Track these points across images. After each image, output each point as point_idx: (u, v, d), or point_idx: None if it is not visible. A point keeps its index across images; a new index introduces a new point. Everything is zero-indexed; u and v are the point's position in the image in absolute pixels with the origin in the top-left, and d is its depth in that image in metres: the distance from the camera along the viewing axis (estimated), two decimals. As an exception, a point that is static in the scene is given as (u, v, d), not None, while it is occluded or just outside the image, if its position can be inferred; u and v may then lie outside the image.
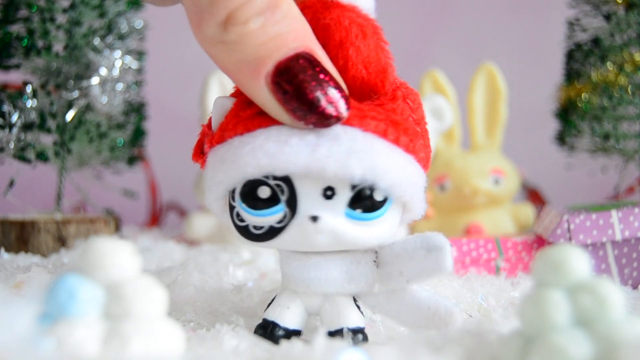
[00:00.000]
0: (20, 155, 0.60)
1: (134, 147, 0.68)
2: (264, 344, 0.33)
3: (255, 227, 0.33)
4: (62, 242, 0.60)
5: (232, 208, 0.33)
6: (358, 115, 0.32)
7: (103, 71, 0.61)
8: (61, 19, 0.61)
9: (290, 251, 0.34)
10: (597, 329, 0.26)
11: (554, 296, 0.26)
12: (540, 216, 0.58)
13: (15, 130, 0.59)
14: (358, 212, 0.32)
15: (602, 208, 0.53)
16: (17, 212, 0.65)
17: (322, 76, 0.31)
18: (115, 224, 0.64)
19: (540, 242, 0.54)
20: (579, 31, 0.66)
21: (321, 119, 0.31)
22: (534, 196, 0.81)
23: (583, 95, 0.63)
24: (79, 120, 0.62)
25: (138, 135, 0.68)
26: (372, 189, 0.32)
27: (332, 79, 0.32)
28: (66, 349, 0.25)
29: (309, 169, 0.30)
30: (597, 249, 0.50)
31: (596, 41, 0.64)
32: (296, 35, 0.31)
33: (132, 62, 0.63)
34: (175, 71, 1.02)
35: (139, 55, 0.66)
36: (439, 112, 0.62)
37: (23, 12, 0.61)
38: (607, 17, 0.63)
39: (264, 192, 0.32)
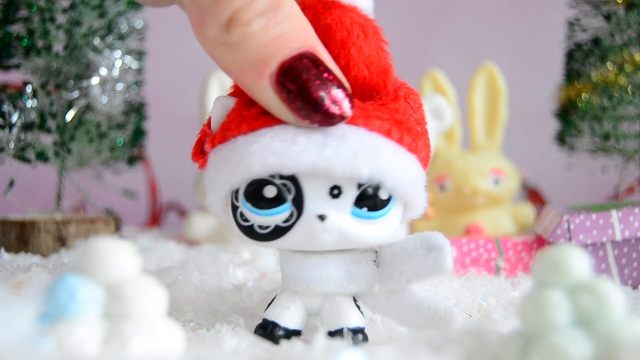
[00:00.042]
0: (20, 155, 0.60)
1: (134, 147, 0.68)
2: (264, 344, 0.33)
3: (260, 227, 0.32)
4: (62, 242, 0.60)
5: (235, 208, 0.33)
6: (363, 115, 0.32)
7: (103, 71, 0.61)
8: (61, 19, 0.61)
9: (290, 251, 0.34)
10: (597, 329, 0.26)
11: (554, 296, 0.26)
12: (540, 216, 0.58)
13: (15, 130, 0.59)
14: (364, 210, 0.32)
15: (602, 208, 0.53)
16: (17, 212, 0.65)
17: (325, 75, 0.31)
18: (115, 224, 0.64)
19: (540, 242, 0.54)
20: (579, 31, 0.66)
21: (325, 118, 0.31)
22: (534, 196, 0.81)
23: (583, 95, 0.63)
24: (79, 120, 0.62)
25: (138, 135, 0.68)
26: (377, 188, 0.32)
27: (335, 78, 0.32)
28: (66, 349, 0.25)
29: (317, 168, 0.30)
30: (597, 249, 0.50)
31: (596, 41, 0.64)
32: (299, 35, 0.31)
33: (132, 62, 0.63)
34: (175, 71, 1.02)
35: (139, 55, 0.66)
36: (439, 112, 0.62)
37: (23, 12, 0.61)
38: (607, 17, 0.63)
39: (270, 192, 0.32)
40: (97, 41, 0.62)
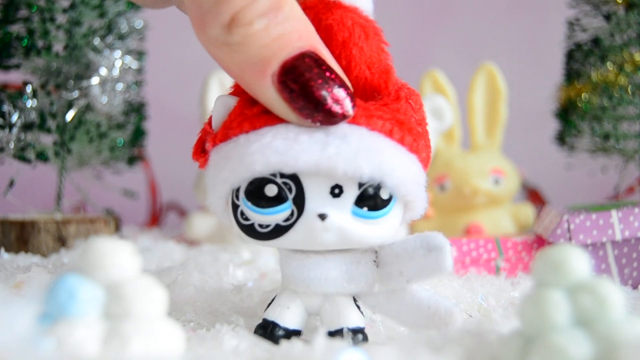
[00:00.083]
0: (20, 155, 0.60)
1: (134, 147, 0.68)
2: (264, 344, 0.33)
3: (260, 226, 0.32)
4: (62, 242, 0.60)
5: (235, 207, 0.33)
6: (365, 115, 0.32)
7: (103, 71, 0.61)
8: (61, 19, 0.61)
9: (290, 251, 0.34)
10: (597, 329, 0.26)
11: (554, 296, 0.26)
12: (540, 216, 0.58)
13: (15, 130, 0.59)
14: (364, 210, 0.32)
15: (602, 208, 0.53)
16: (17, 212, 0.65)
17: (327, 74, 0.31)
18: (115, 224, 0.64)
19: (540, 242, 0.54)
20: (579, 31, 0.66)
21: (327, 117, 0.31)
22: (534, 196, 0.81)
23: (583, 95, 0.63)
24: (79, 120, 0.62)
25: (138, 135, 0.68)
26: (378, 188, 0.32)
27: (337, 77, 0.32)
28: (66, 349, 0.25)
29: (319, 167, 0.31)
30: (597, 249, 0.50)
31: (596, 41, 0.64)
32: (300, 34, 0.31)
33: (132, 62, 0.63)
34: (175, 71, 1.02)
35: (139, 55, 0.66)
36: (439, 112, 0.62)
37: (23, 12, 0.61)
38: (607, 17, 0.63)
39: (271, 190, 0.32)
40: (97, 41, 0.62)
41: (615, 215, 0.49)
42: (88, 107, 0.62)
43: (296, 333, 0.34)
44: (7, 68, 0.61)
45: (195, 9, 0.32)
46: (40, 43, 0.61)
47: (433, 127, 0.61)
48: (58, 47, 0.61)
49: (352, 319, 0.34)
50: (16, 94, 0.60)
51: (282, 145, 0.31)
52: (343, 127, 0.32)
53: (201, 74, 0.71)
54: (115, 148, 0.65)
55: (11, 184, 0.61)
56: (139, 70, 0.66)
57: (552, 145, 0.69)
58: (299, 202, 0.32)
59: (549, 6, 0.88)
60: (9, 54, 0.61)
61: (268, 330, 0.34)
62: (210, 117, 0.35)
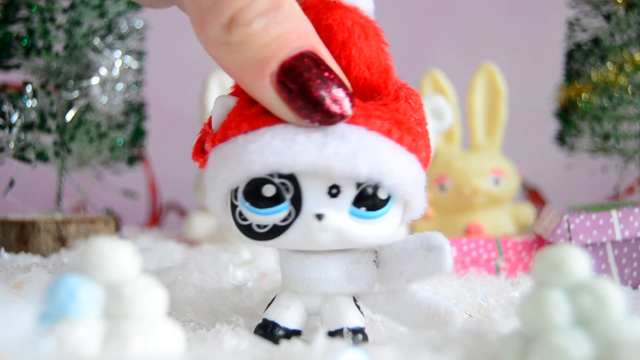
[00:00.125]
0: (20, 155, 0.60)
1: (134, 147, 0.68)
2: (264, 344, 0.33)
3: (258, 226, 0.32)
4: (62, 242, 0.60)
5: (234, 207, 0.33)
6: (363, 114, 0.32)
7: (103, 71, 0.61)
8: (61, 19, 0.61)
9: (290, 251, 0.34)
10: (597, 329, 0.26)
11: (554, 296, 0.26)
12: (540, 216, 0.58)
13: (15, 130, 0.59)
14: (362, 210, 0.32)
15: (602, 208, 0.53)
16: (17, 212, 0.65)
17: (326, 74, 0.31)
18: (115, 224, 0.64)
19: (540, 242, 0.54)
20: (579, 31, 0.66)
21: (326, 117, 0.31)
22: (534, 196, 0.81)
23: (583, 95, 0.63)
24: (79, 120, 0.62)
25: (138, 135, 0.68)
26: (376, 188, 0.32)
27: (336, 77, 0.32)
28: (66, 349, 0.25)
29: (316, 167, 0.30)
30: (597, 249, 0.50)
31: (596, 41, 0.64)
32: (299, 34, 0.31)
33: (132, 62, 0.63)
34: (175, 71, 1.02)
35: (139, 55, 0.66)
36: (439, 112, 0.62)
37: (23, 12, 0.61)
38: (607, 17, 0.63)
39: (268, 191, 0.32)
40: (97, 41, 0.62)
41: (615, 215, 0.49)
42: (88, 107, 0.62)
43: (296, 333, 0.34)
44: (7, 68, 0.61)
45: (194, 9, 0.32)
46: (40, 43, 0.61)
47: (433, 127, 0.61)
48: (58, 47, 0.61)
49: (352, 319, 0.34)
50: (16, 94, 0.60)
51: (279, 146, 0.31)
52: (341, 127, 0.32)
53: (201, 74, 0.71)
54: (115, 148, 0.65)
55: (11, 184, 0.61)
56: (139, 70, 0.66)
57: (552, 145, 0.69)
58: (297, 203, 0.32)
59: (549, 6, 0.88)
60: (9, 54, 0.61)
61: (268, 330, 0.34)
62: (210, 118, 0.35)
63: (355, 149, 0.31)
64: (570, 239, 0.50)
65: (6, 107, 0.59)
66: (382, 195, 0.32)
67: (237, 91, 0.34)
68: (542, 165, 0.84)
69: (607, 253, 0.50)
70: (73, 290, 0.26)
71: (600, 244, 0.50)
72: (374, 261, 0.34)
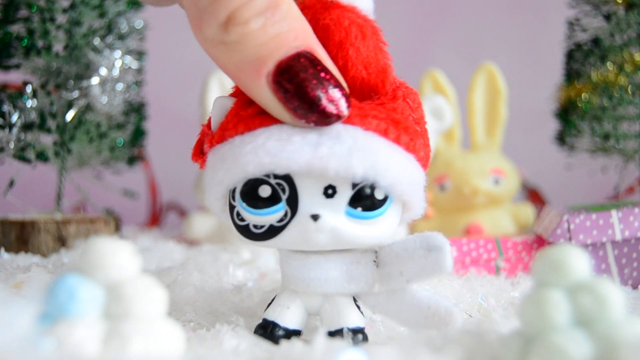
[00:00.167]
0: (20, 155, 0.60)
1: (134, 147, 0.68)
2: (264, 344, 0.33)
3: (255, 227, 0.33)
4: (62, 242, 0.60)
5: (232, 207, 0.33)
6: (359, 114, 0.32)
7: (103, 71, 0.61)
8: (61, 19, 0.61)
9: (290, 251, 0.34)
10: (597, 329, 0.26)
11: (554, 296, 0.26)
12: (540, 216, 0.58)
13: (15, 130, 0.59)
14: (358, 210, 0.32)
15: (602, 208, 0.53)
16: (17, 212, 0.65)
17: (322, 75, 0.31)
18: (115, 224, 0.64)
19: (540, 242, 0.54)
20: (579, 31, 0.66)
21: (322, 118, 0.31)
22: (534, 196, 0.81)
23: (583, 95, 0.63)
24: (79, 120, 0.62)
25: (138, 135, 0.68)
26: (372, 188, 0.32)
27: (332, 77, 0.32)
28: (66, 349, 0.25)
29: (311, 168, 0.30)
30: (597, 249, 0.50)
31: (596, 41, 0.64)
32: (297, 34, 0.31)
33: (132, 62, 0.63)
34: (175, 71, 1.02)
35: (139, 55, 0.66)
36: (439, 112, 0.62)
37: (23, 12, 0.61)
38: (607, 17, 0.63)
39: (264, 191, 0.32)
40: (97, 41, 0.62)
41: (615, 215, 0.49)
42: (88, 107, 0.62)
43: (296, 333, 0.34)
44: (7, 68, 0.61)
45: (192, 7, 0.32)
46: (40, 43, 0.61)
47: (433, 127, 0.61)
48: (58, 47, 0.61)
49: (352, 319, 0.34)
50: (16, 94, 0.60)
51: (274, 147, 0.31)
52: (337, 127, 0.31)
53: (201, 74, 0.71)
54: (115, 148, 0.65)
55: (11, 184, 0.61)
56: (139, 70, 0.66)
57: (552, 145, 0.69)
58: (293, 203, 0.32)
59: (549, 6, 0.88)
60: (9, 54, 0.61)
61: (268, 330, 0.34)
62: (210, 119, 0.35)
63: (350, 149, 0.31)
64: (570, 239, 0.50)
65: (6, 107, 0.59)
66: (379, 195, 0.32)
67: (238, 92, 0.35)
68: (542, 165, 0.84)
69: (607, 253, 0.50)
70: (73, 290, 0.26)
71: (600, 244, 0.50)
72: (374, 261, 0.34)
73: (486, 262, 0.53)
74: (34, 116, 0.60)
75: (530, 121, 0.89)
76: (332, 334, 0.33)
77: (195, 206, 0.81)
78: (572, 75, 0.66)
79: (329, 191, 0.32)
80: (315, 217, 0.31)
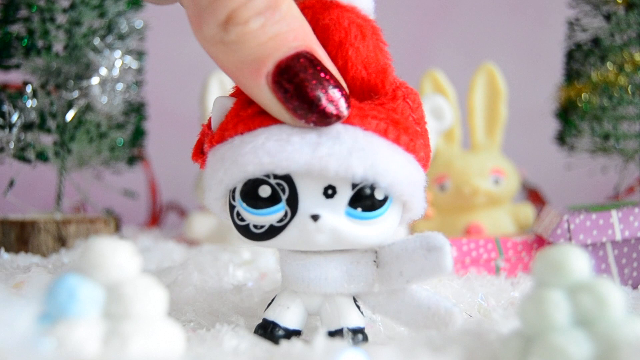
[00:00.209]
0: (20, 155, 0.60)
1: (134, 147, 0.68)
2: (264, 344, 0.33)
3: (255, 227, 0.33)
4: (62, 242, 0.60)
5: (232, 207, 0.33)
6: (359, 115, 0.32)
7: (103, 71, 0.61)
8: (61, 19, 0.61)
9: (290, 251, 0.34)
10: (597, 329, 0.26)
11: (554, 296, 0.26)
12: (540, 216, 0.58)
13: (15, 130, 0.59)
14: (358, 211, 0.32)
15: (602, 208, 0.53)
16: (17, 212, 0.65)
17: (322, 75, 0.31)
18: (115, 224, 0.64)
19: (540, 242, 0.54)
20: (579, 31, 0.66)
21: (322, 118, 0.31)
22: (534, 196, 0.81)
23: (583, 95, 0.63)
24: (79, 120, 0.62)
25: (138, 135, 0.68)
26: (372, 188, 0.32)
27: (332, 77, 0.32)
28: (66, 349, 0.25)
29: (310, 168, 0.30)
30: (597, 249, 0.50)
31: (596, 41, 0.64)
32: (296, 34, 0.31)
33: (132, 62, 0.63)
34: (175, 71, 1.02)
35: (139, 55, 0.66)
36: (439, 112, 0.62)
37: (23, 12, 0.61)
38: (607, 17, 0.63)
39: (264, 191, 0.32)
40: (97, 41, 0.62)
41: (615, 215, 0.49)
42: (88, 107, 0.62)
43: (296, 333, 0.34)
44: (7, 68, 0.61)
45: (192, 7, 0.32)
46: (40, 43, 0.61)
47: (433, 127, 0.61)
48: (58, 47, 0.61)
49: (352, 319, 0.34)
50: (16, 94, 0.60)
51: (274, 147, 0.31)
52: (336, 128, 0.31)
53: (201, 74, 0.71)
54: (115, 148, 0.65)
55: (11, 184, 0.61)
56: (139, 70, 0.66)
57: (552, 145, 0.69)
58: (293, 203, 0.32)
59: (549, 6, 0.88)
60: (9, 54, 0.61)
61: (268, 330, 0.34)
62: (210, 119, 0.35)
63: (349, 149, 0.31)
64: (570, 239, 0.50)
65: (6, 107, 0.59)
66: (379, 195, 0.32)
67: (238, 92, 0.35)
68: (542, 165, 0.84)
69: (607, 253, 0.50)
70: (73, 290, 0.26)
71: (600, 244, 0.50)
72: (374, 261, 0.34)
73: (486, 262, 0.53)
74: (34, 116, 0.60)
75: (530, 121, 0.89)
76: (332, 334, 0.33)
77: (195, 206, 0.81)
78: (572, 75, 0.66)
79: (329, 191, 0.32)
80: (315, 217, 0.31)
